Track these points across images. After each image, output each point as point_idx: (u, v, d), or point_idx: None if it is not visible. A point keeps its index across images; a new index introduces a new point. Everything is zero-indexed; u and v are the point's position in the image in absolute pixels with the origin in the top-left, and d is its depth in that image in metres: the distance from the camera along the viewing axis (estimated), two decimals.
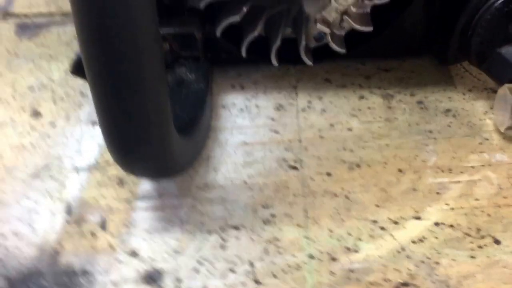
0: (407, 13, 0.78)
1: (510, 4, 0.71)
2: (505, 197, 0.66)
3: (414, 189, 0.67)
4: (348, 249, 0.62)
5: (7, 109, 0.77)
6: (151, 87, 0.51)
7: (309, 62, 0.76)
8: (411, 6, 0.77)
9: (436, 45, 0.79)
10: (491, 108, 0.75)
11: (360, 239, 0.63)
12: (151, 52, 0.49)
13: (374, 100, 0.78)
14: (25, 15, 0.93)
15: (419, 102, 0.77)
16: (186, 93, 0.72)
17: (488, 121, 0.75)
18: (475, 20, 0.72)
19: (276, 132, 0.74)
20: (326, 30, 0.73)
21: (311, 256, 0.61)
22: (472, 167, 0.69)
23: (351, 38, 0.76)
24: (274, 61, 0.75)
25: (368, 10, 0.74)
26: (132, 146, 0.54)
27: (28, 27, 0.91)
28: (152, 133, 0.53)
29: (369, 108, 0.77)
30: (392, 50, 0.82)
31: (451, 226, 0.64)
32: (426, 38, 0.80)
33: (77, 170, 0.69)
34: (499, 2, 0.71)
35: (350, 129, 0.74)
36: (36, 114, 0.76)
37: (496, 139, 0.73)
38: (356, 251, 0.62)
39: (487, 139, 0.73)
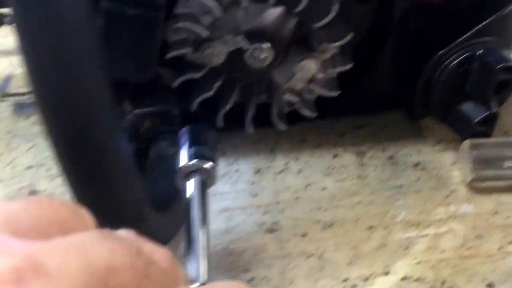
0: (375, 72, 0.81)
1: (464, 65, 0.74)
2: (469, 248, 0.69)
3: (384, 245, 0.70)
4: None
5: (7, 189, 0.81)
6: (120, 178, 0.54)
7: (283, 128, 0.79)
8: (378, 66, 0.80)
9: (403, 102, 0.83)
10: (459, 159, 0.78)
11: None
12: (115, 146, 0.53)
13: (348, 158, 0.82)
14: (22, 94, 0.98)
15: (390, 157, 0.81)
16: (166, 168, 0.76)
17: (456, 173, 0.78)
18: (433, 80, 0.76)
19: (255, 195, 0.77)
20: (295, 99, 0.77)
21: None
22: (439, 219, 0.73)
23: (325, 99, 0.80)
24: (250, 129, 0.79)
25: (335, 75, 0.78)
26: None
27: (24, 106, 0.96)
28: (126, 215, 0.57)
29: (342, 166, 0.80)
30: (364, 107, 0.85)
31: (418, 279, 0.67)
32: (395, 95, 0.84)
33: None
34: (453, 63, 0.74)
35: (324, 189, 0.78)
36: (33, 193, 0.80)
37: (462, 190, 0.76)
38: None
39: (454, 191, 0.76)
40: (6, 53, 1.07)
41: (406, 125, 0.85)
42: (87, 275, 0.26)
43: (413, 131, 0.84)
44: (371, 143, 0.83)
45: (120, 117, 0.55)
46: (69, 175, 0.53)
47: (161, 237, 0.65)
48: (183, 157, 0.60)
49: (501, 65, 0.71)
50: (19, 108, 0.94)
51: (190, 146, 0.61)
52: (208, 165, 0.59)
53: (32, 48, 0.47)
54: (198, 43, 0.72)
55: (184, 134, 0.62)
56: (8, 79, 1.01)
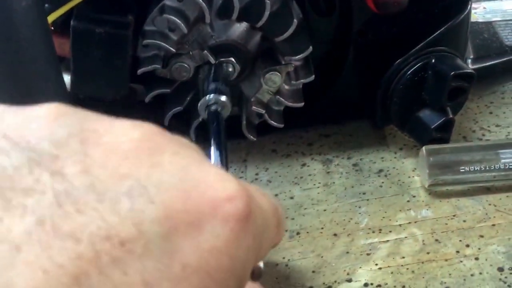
0: (339, 82, 0.83)
1: (419, 74, 0.76)
2: (428, 253, 0.71)
3: (347, 252, 0.72)
4: None
5: None
6: None
7: (252, 138, 0.81)
8: (342, 77, 0.82)
9: (366, 111, 0.84)
10: (422, 163, 0.80)
11: None
12: None
13: (315, 166, 0.83)
14: None
15: (355, 165, 0.83)
16: None
17: (416, 178, 0.80)
18: (391, 90, 0.77)
19: None
20: (261, 110, 0.79)
21: None
22: (400, 225, 0.74)
23: (294, 109, 0.81)
24: None
25: (300, 86, 0.79)
26: None
27: None
28: None
29: (309, 175, 0.82)
30: (330, 116, 0.87)
31: (379, 286, 0.68)
32: (359, 104, 0.85)
33: None
34: (409, 72, 0.76)
35: (292, 198, 0.79)
36: None
37: (422, 195, 0.78)
38: None
39: (414, 196, 0.77)
40: None
41: (370, 133, 0.86)
42: (273, 212, 0.39)
43: (376, 138, 0.86)
44: (337, 151, 0.85)
45: None
46: None
47: None
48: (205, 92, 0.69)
49: (454, 72, 0.73)
50: None
51: (210, 82, 0.71)
52: (224, 98, 0.69)
53: None
54: (167, 59, 0.74)
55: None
56: None
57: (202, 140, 0.77)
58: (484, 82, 0.92)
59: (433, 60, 0.76)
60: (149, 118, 0.76)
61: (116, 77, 0.71)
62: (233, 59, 0.74)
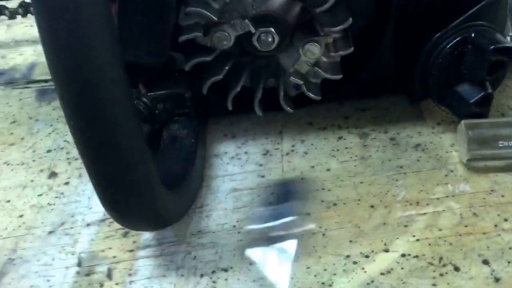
0: (377, 56, 0.80)
1: (459, 47, 0.73)
2: (466, 226, 0.68)
3: (384, 223, 0.69)
4: (323, 284, 0.64)
5: (28, 171, 0.81)
6: (132, 154, 0.54)
7: (289, 110, 0.78)
8: (379, 50, 0.79)
9: (404, 85, 0.81)
10: (460, 138, 0.77)
11: (334, 274, 0.65)
12: (128, 126, 0.53)
13: (351, 139, 0.81)
14: (45, 81, 0.98)
15: (392, 139, 0.80)
16: (179, 148, 0.75)
17: (454, 153, 0.77)
18: (430, 63, 0.74)
19: (263, 177, 0.77)
20: (300, 81, 0.76)
21: None
22: (437, 198, 0.72)
23: (330, 82, 0.79)
24: (258, 111, 0.78)
25: (338, 59, 0.77)
26: (122, 208, 0.58)
27: (47, 92, 0.95)
28: (139, 192, 0.57)
29: (346, 148, 0.79)
30: (367, 90, 0.84)
31: (416, 256, 0.66)
32: (397, 78, 0.82)
33: (88, 225, 0.73)
34: (449, 46, 0.73)
35: (328, 170, 0.77)
36: (53, 175, 0.80)
37: (460, 170, 0.75)
38: (330, 286, 0.64)
39: (452, 171, 0.75)
40: (31, 42, 1.07)
41: (407, 108, 0.84)
42: None
43: (413, 113, 0.83)
44: (373, 125, 0.82)
45: (133, 99, 0.55)
46: (85, 156, 0.53)
47: (173, 215, 0.64)
48: None
49: (494, 46, 0.70)
50: (42, 95, 0.94)
51: None
52: None
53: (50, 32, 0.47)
54: (208, 27, 0.72)
55: None
56: (32, 67, 1.01)
57: (238, 110, 0.75)
58: None
59: (472, 34, 0.73)
60: (185, 86, 0.74)
61: (158, 43, 0.70)
62: (272, 30, 0.72)
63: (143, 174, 0.56)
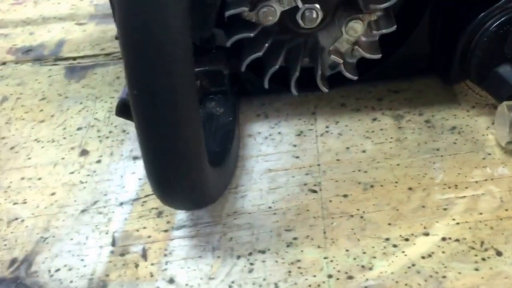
0: (413, 37, 0.78)
1: (505, 27, 0.70)
2: (506, 210, 0.66)
3: (423, 206, 0.67)
4: (363, 267, 0.63)
5: (59, 149, 0.80)
6: (187, 127, 0.53)
7: (325, 90, 0.76)
8: (416, 30, 0.77)
9: (439, 66, 0.79)
10: (493, 123, 0.75)
11: (374, 257, 0.63)
12: (187, 97, 0.52)
13: (386, 121, 0.78)
14: (73, 58, 0.96)
15: (427, 121, 0.78)
16: (216, 126, 0.73)
17: (491, 136, 0.75)
18: (474, 43, 0.72)
19: (297, 157, 0.75)
20: (339, 60, 0.74)
21: (330, 276, 0.62)
22: (476, 182, 0.70)
23: (363, 63, 0.77)
24: (294, 91, 0.76)
25: (377, 38, 0.74)
26: (171, 182, 0.57)
27: (75, 70, 0.93)
28: (188, 168, 0.56)
29: (381, 129, 0.77)
30: (400, 72, 0.82)
31: (457, 240, 0.64)
32: (431, 59, 0.80)
33: (121, 204, 0.71)
34: (494, 25, 0.71)
35: (364, 151, 0.75)
36: (84, 152, 0.78)
37: (498, 153, 0.73)
38: (370, 269, 0.62)
39: (489, 154, 0.73)
40: (59, 19, 1.05)
41: (440, 90, 0.82)
42: None
43: (448, 96, 0.81)
44: (407, 107, 0.80)
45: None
46: (142, 122, 0.52)
47: (214, 191, 0.62)
48: None
49: None
50: (70, 72, 0.93)
51: None
52: None
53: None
54: (255, 2, 0.70)
55: None
56: (60, 44, 0.99)
57: (273, 89, 0.73)
58: None
59: None
60: (223, 63, 0.72)
61: (204, 18, 0.67)
62: (317, 6, 0.69)
63: (195, 149, 0.54)
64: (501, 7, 0.70)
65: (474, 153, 0.73)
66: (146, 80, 0.50)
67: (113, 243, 0.67)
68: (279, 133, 0.78)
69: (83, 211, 0.71)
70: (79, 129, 0.82)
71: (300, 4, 0.68)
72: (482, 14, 0.70)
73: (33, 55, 0.99)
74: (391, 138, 0.76)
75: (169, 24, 0.48)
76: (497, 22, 0.70)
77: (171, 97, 0.50)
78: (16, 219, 0.71)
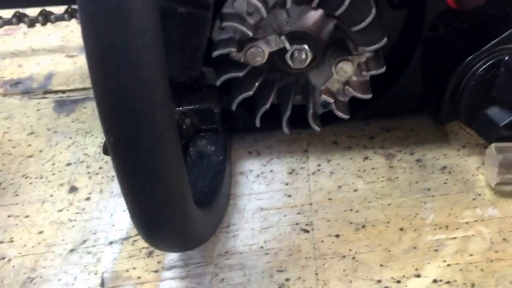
0: (404, 77, 0.80)
1: (492, 70, 0.72)
2: (496, 252, 0.68)
3: (415, 247, 0.69)
4: None
5: (47, 185, 0.80)
6: (167, 172, 0.53)
7: (317, 129, 0.78)
8: (406, 71, 0.79)
9: (430, 106, 0.81)
10: (483, 163, 0.76)
11: None
12: (166, 142, 0.52)
13: (377, 160, 0.80)
14: (63, 91, 0.97)
15: (418, 161, 0.79)
16: (206, 165, 0.74)
17: (481, 177, 0.76)
18: (462, 86, 0.74)
19: (290, 196, 0.76)
20: (330, 99, 0.76)
21: None
22: (467, 223, 0.71)
23: (355, 101, 0.79)
24: (286, 130, 0.78)
25: (368, 78, 0.76)
26: (155, 226, 0.57)
27: (65, 103, 0.94)
28: (172, 212, 0.56)
29: (372, 168, 0.79)
30: (392, 110, 0.84)
31: (448, 282, 0.65)
32: (422, 99, 0.82)
33: (110, 243, 0.72)
34: (481, 69, 0.72)
35: (356, 190, 0.76)
36: (73, 189, 0.79)
37: (488, 194, 0.74)
38: None
39: (479, 195, 0.74)
40: (48, 51, 1.06)
41: (432, 129, 0.83)
42: None
43: (439, 135, 0.83)
44: (399, 146, 0.81)
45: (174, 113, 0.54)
46: (120, 169, 0.51)
47: (203, 234, 0.63)
48: None
49: None
50: (60, 106, 0.93)
51: None
52: None
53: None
54: (243, 43, 0.72)
55: None
56: (49, 76, 1.00)
57: (265, 127, 0.75)
58: None
59: (506, 58, 0.72)
60: (214, 101, 0.74)
61: (191, 58, 0.69)
62: (306, 47, 0.71)
63: (178, 192, 0.55)
64: (488, 51, 0.72)
65: (465, 194, 0.75)
66: (121, 128, 0.49)
67: (102, 284, 0.68)
68: (271, 171, 0.79)
69: (71, 250, 0.72)
70: (68, 164, 0.83)
71: (288, 46, 0.70)
72: (470, 57, 0.72)
73: (21, 88, 0.99)
74: (383, 177, 0.77)
75: (143, 74, 0.48)
76: (485, 66, 0.72)
77: (148, 144, 0.50)
78: (3, 258, 0.71)
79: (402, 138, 0.83)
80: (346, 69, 0.73)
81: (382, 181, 0.77)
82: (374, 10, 0.69)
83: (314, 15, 0.72)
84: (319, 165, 0.80)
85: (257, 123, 0.77)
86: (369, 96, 0.76)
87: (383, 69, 0.74)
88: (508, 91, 0.73)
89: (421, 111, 0.84)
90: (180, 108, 0.74)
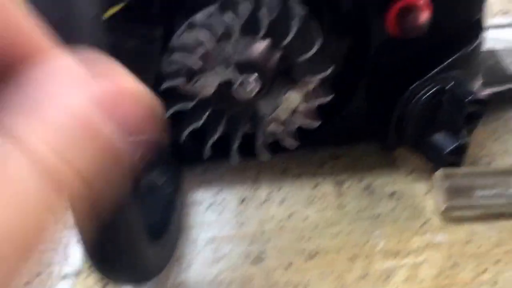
0: (351, 104, 0.81)
1: (436, 97, 0.74)
2: (446, 277, 0.69)
3: (366, 274, 0.70)
4: None
5: None
6: (121, 207, 0.53)
7: (266, 158, 0.79)
8: (354, 98, 0.81)
9: (377, 133, 0.83)
10: (431, 188, 0.78)
11: None
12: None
13: (327, 187, 0.81)
14: None
15: (367, 187, 0.81)
16: (157, 197, 0.75)
17: (429, 202, 0.79)
18: (407, 113, 0.76)
19: (241, 225, 0.77)
20: (279, 129, 0.77)
21: None
22: (416, 249, 0.73)
23: (304, 130, 0.80)
24: (235, 160, 0.78)
25: (315, 106, 0.78)
26: (107, 259, 0.57)
27: None
28: (125, 246, 0.56)
29: (322, 196, 0.80)
30: (340, 137, 0.85)
31: None
32: (370, 125, 0.84)
33: (64, 277, 0.71)
34: (425, 96, 0.75)
35: (306, 218, 0.77)
36: None
37: (436, 220, 0.76)
38: None
39: (428, 220, 0.76)
40: None
41: (380, 156, 0.85)
42: None
43: (387, 161, 0.84)
44: (348, 173, 0.83)
45: None
46: None
47: (156, 267, 0.63)
48: None
49: (470, 97, 0.72)
50: None
51: None
52: None
53: None
54: (191, 75, 0.72)
55: None
56: None
57: (214, 157, 0.75)
58: (489, 109, 0.90)
59: (448, 86, 0.74)
60: (163, 134, 0.74)
61: None
62: (253, 77, 0.72)
63: (129, 224, 0.55)
64: (431, 78, 0.74)
65: (414, 220, 0.76)
66: None
67: None
68: (223, 200, 0.80)
69: (26, 283, 0.71)
70: None
71: (235, 77, 0.71)
72: (414, 85, 0.74)
73: None
74: (332, 204, 0.78)
75: None
76: (428, 93, 0.74)
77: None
78: None
79: (350, 165, 0.84)
80: (293, 98, 0.74)
81: (331, 209, 0.78)
82: (319, 41, 0.70)
83: (261, 45, 0.73)
84: (270, 193, 0.81)
85: (206, 154, 0.77)
86: (316, 124, 0.78)
87: (329, 98, 0.76)
88: (451, 118, 0.75)
89: (369, 138, 0.85)
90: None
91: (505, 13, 1.06)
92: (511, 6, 1.08)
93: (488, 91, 0.83)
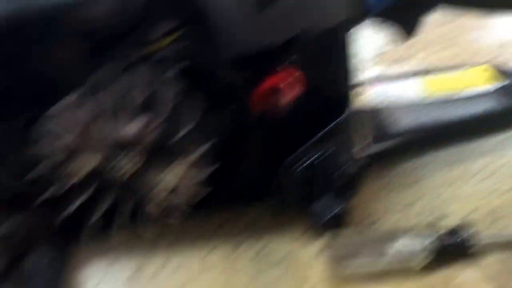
0: (241, 168, 0.82)
1: (308, 170, 0.78)
2: None
3: None
4: None
5: None
6: None
7: (149, 237, 0.78)
8: (244, 162, 0.82)
9: (268, 195, 0.84)
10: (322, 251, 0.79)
11: None
12: None
13: (222, 251, 0.83)
14: None
15: (259, 251, 0.82)
16: (41, 279, 0.75)
17: (318, 265, 0.79)
18: (286, 182, 0.80)
19: None
20: (157, 210, 0.77)
21: None
22: None
23: (198, 194, 0.79)
24: (115, 240, 0.77)
25: (200, 178, 0.78)
26: None
27: None
28: None
29: (217, 261, 0.81)
30: (234, 201, 0.86)
31: None
32: (263, 187, 0.85)
33: None
34: (299, 169, 0.79)
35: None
36: None
37: (324, 283, 0.78)
38: None
39: (317, 284, 0.77)
40: None
41: (274, 217, 0.85)
42: None
43: (281, 222, 0.85)
44: (243, 236, 0.84)
45: None
46: None
47: None
48: None
49: (338, 172, 0.77)
50: None
51: None
52: None
53: None
54: (61, 160, 0.72)
55: None
56: None
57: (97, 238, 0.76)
58: (376, 165, 0.92)
59: (319, 159, 0.78)
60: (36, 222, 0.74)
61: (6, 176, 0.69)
62: (129, 157, 0.72)
63: None
64: (303, 152, 0.78)
65: (301, 284, 0.77)
66: None
67: None
68: (111, 276, 0.80)
69: None
70: None
71: (110, 157, 0.72)
72: (288, 159, 0.78)
73: None
74: (226, 269, 0.79)
75: None
76: (301, 167, 0.78)
77: None
78: None
79: (245, 228, 0.86)
80: (171, 176, 0.74)
81: (225, 274, 0.79)
82: (197, 115, 0.73)
83: (136, 125, 0.73)
84: (164, 263, 0.81)
85: (84, 240, 0.76)
86: (204, 192, 0.78)
87: (215, 166, 0.77)
88: (325, 189, 0.78)
89: (263, 199, 0.86)
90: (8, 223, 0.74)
91: (399, 61, 1.08)
92: (409, 52, 1.10)
93: (374, 148, 0.85)
